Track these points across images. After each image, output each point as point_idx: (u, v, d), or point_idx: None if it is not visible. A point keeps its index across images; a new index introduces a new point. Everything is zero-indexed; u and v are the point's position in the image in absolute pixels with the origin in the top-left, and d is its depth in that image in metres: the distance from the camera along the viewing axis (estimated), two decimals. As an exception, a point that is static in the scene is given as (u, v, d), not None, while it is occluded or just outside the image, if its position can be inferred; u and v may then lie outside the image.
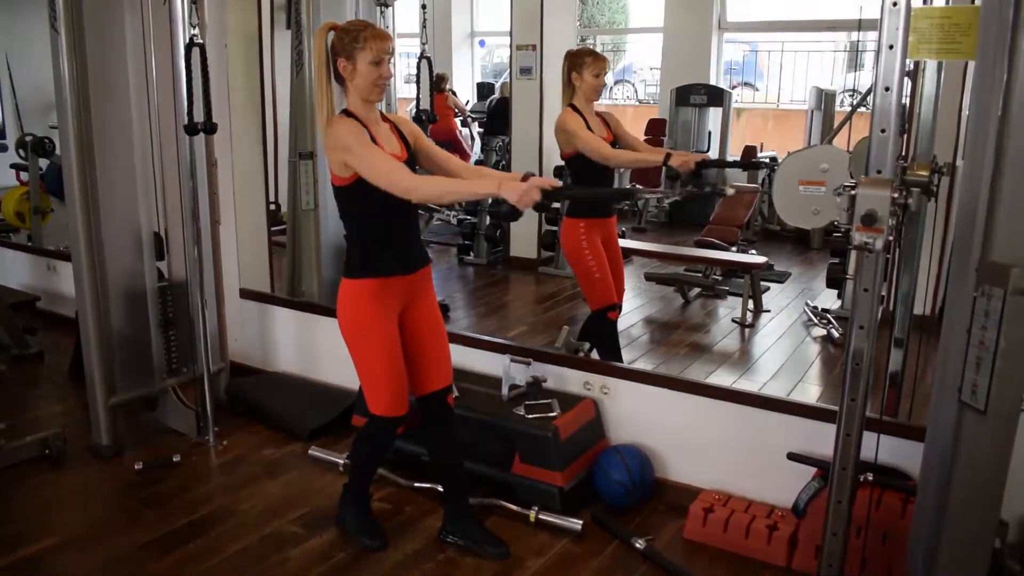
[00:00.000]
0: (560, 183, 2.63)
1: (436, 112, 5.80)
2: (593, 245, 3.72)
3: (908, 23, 2.03)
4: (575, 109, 3.68)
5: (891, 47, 2.04)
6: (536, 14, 5.91)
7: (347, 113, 2.65)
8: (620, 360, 3.89)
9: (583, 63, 3.65)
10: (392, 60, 2.66)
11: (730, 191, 3.35)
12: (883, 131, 2.08)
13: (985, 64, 1.95)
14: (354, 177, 2.59)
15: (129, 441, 3.83)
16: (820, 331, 4.77)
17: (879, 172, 2.08)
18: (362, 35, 2.57)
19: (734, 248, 5.82)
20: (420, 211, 2.98)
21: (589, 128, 3.65)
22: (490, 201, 6.27)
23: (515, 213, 2.45)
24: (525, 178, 2.49)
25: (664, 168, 3.62)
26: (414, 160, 2.79)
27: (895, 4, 2.02)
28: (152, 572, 2.88)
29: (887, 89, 2.06)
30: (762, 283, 5.31)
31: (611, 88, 10.06)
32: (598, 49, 9.01)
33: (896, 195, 2.01)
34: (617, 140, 3.77)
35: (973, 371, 1.91)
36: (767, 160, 7.66)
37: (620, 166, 3.90)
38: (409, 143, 2.76)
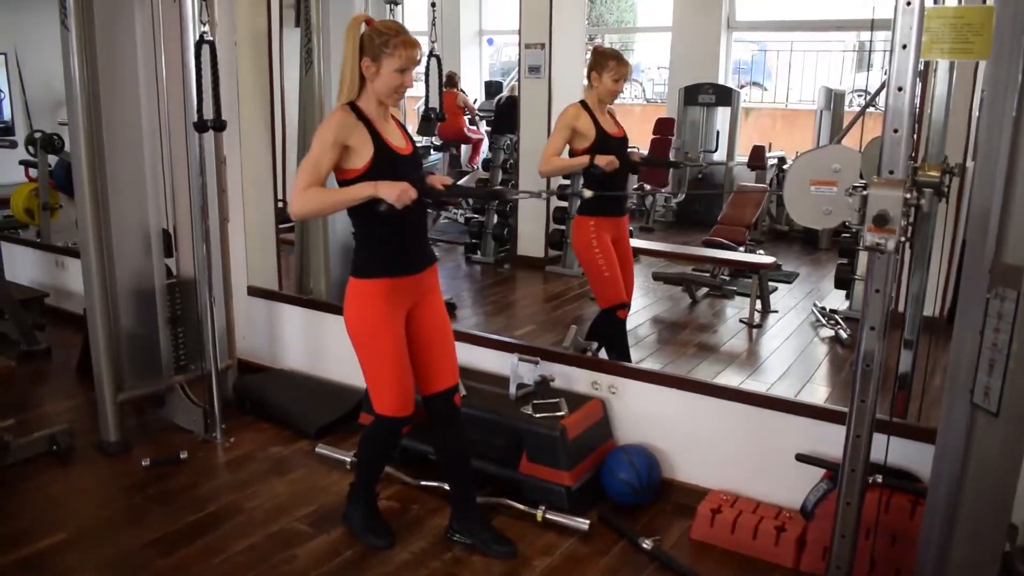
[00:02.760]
0: (450, 182, 2.78)
1: (445, 110, 5.79)
2: (603, 243, 3.72)
3: (921, 22, 2.01)
4: (584, 106, 3.67)
5: (904, 47, 2.03)
6: (545, 13, 5.90)
7: (353, 108, 2.63)
8: (629, 359, 3.88)
9: (605, 65, 3.64)
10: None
11: (587, 193, 3.32)
12: (896, 131, 2.06)
13: (999, 65, 1.94)
14: (361, 169, 2.59)
15: (137, 438, 3.83)
16: (828, 332, 4.76)
17: (891, 172, 2.07)
18: (392, 41, 2.54)
19: (742, 248, 5.80)
20: (428, 210, 2.99)
21: (597, 125, 3.66)
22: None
23: (392, 210, 2.53)
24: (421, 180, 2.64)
25: (592, 168, 3.63)
26: (418, 156, 2.82)
27: (908, 3, 2.00)
28: (159, 569, 2.89)
29: (900, 89, 2.04)
30: (770, 283, 5.29)
31: (623, 91, 10.04)
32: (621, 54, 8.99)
33: (908, 196, 2.00)
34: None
35: (986, 373, 1.90)
36: (776, 160, 7.66)
37: (548, 175, 3.94)
38: (414, 140, 2.77)
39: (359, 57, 2.59)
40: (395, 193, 2.50)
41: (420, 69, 5.14)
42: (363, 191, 2.55)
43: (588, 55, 3.77)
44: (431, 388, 2.90)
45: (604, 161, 3.60)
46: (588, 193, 3.33)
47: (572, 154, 3.74)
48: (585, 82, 3.78)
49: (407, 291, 2.76)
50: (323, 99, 4.35)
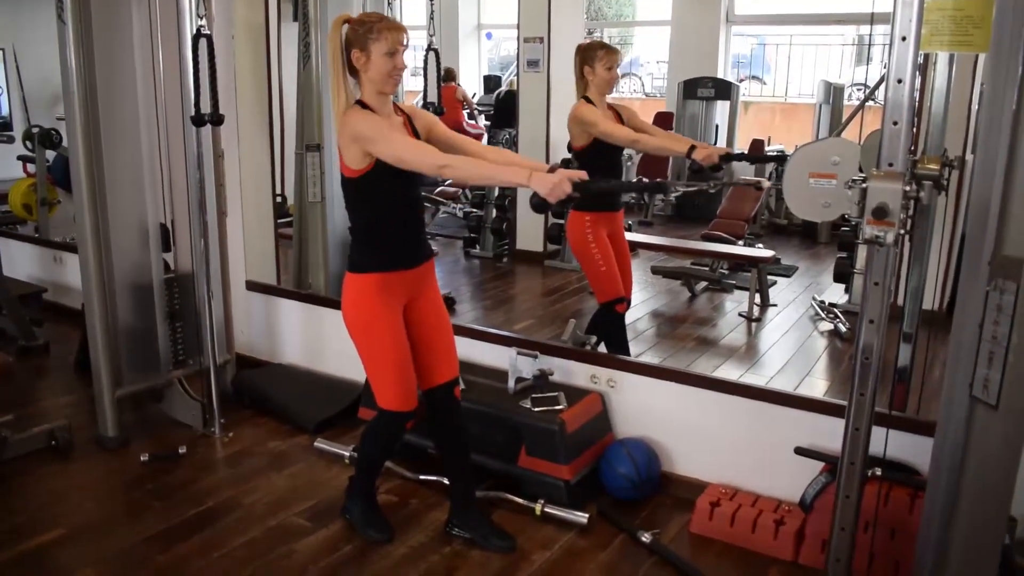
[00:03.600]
0: (586, 176, 2.51)
1: (443, 105, 5.78)
2: (599, 239, 3.71)
3: (921, 15, 2.01)
4: (589, 101, 3.66)
5: (904, 39, 2.02)
6: (543, 6, 5.88)
7: (361, 105, 2.63)
8: (628, 353, 3.88)
9: (595, 56, 3.63)
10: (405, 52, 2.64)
11: (766, 183, 3.28)
12: (895, 124, 2.06)
13: (999, 57, 1.93)
14: (366, 169, 2.58)
15: (135, 433, 3.83)
16: (827, 325, 4.75)
17: (891, 165, 2.06)
18: (376, 26, 2.55)
19: (741, 242, 5.80)
20: (427, 203, 2.98)
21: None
22: (497, 191, 6.29)
23: (545, 205, 2.43)
24: (552, 169, 2.47)
25: (688, 160, 3.60)
26: None
27: (908, -5, 2.00)
28: (158, 564, 2.89)
29: (899, 81, 2.04)
30: (769, 277, 5.29)
31: (618, 81, 10.03)
32: (607, 42, 8.97)
33: (908, 188, 2.00)
34: (635, 131, 3.76)
35: (985, 366, 1.90)
36: (779, 153, 7.65)
37: (647, 151, 3.86)
38: (420, 136, 2.75)
39: (347, 52, 2.59)
40: (548, 186, 2.40)
41: (419, 63, 5.14)
42: (516, 177, 2.47)
43: (575, 57, 3.71)
44: (431, 382, 2.90)
45: (703, 154, 3.52)
46: (766, 183, 3.23)
47: (574, 148, 3.72)
48: (576, 82, 3.72)
49: (404, 285, 2.75)
50: (321, 93, 4.34)
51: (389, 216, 2.68)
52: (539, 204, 2.44)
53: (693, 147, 3.56)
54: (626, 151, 3.88)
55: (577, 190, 2.43)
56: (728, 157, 3.69)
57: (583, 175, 2.48)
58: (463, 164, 2.60)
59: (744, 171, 7.92)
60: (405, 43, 2.60)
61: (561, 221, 6.00)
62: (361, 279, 2.72)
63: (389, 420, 2.84)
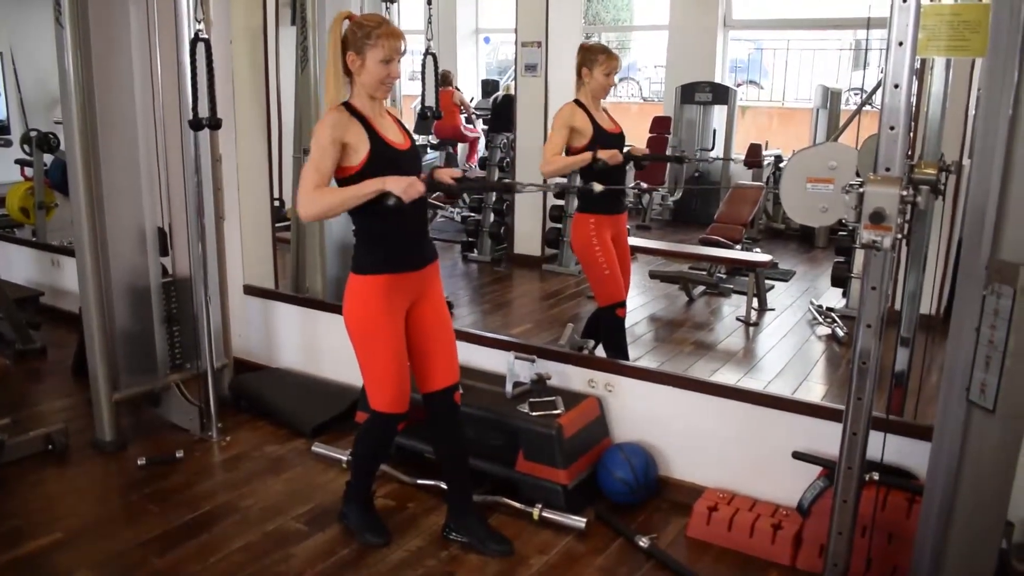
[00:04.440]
0: (459, 174, 2.79)
1: (441, 108, 5.79)
2: (603, 241, 3.70)
3: (918, 20, 2.01)
4: (580, 104, 3.66)
5: (900, 44, 2.03)
6: (541, 11, 5.90)
7: (347, 106, 2.63)
8: (627, 358, 3.88)
9: (595, 60, 3.63)
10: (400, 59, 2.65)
11: (598, 187, 3.39)
12: (892, 128, 2.06)
13: (995, 62, 1.94)
14: (359, 166, 2.59)
15: (132, 437, 3.83)
16: (824, 330, 4.76)
17: (888, 170, 2.07)
18: (375, 32, 2.55)
19: (739, 246, 5.81)
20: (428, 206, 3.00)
21: (594, 122, 3.64)
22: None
23: (400, 203, 2.53)
24: (430, 174, 2.70)
25: (595, 163, 3.61)
26: (417, 153, 2.82)
27: (905, 1, 2.00)
28: (155, 568, 2.88)
29: (896, 86, 2.05)
30: (767, 281, 5.29)
31: (616, 86, 10.05)
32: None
33: (905, 193, 2.00)
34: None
35: (982, 370, 1.90)
36: (777, 156, 7.66)
37: (551, 174, 3.90)
38: (412, 136, 2.76)
39: (343, 52, 2.60)
40: (402, 186, 2.50)
41: (416, 68, 5.14)
42: (371, 187, 2.54)
43: (577, 55, 3.73)
44: (431, 386, 2.89)
45: (607, 155, 3.57)
46: (598, 187, 3.35)
47: (570, 152, 3.73)
48: (575, 80, 3.74)
49: (408, 288, 2.75)
50: (319, 97, 4.35)
51: (389, 217, 2.67)
52: (395, 203, 2.54)
53: (595, 152, 3.61)
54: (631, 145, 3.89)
55: (431, 189, 2.69)
56: (630, 157, 3.80)
57: (456, 173, 2.77)
58: (315, 200, 2.58)
59: (742, 175, 7.96)
60: (402, 51, 2.61)
61: (559, 226, 6.02)
62: (364, 280, 2.71)
63: (381, 421, 2.84)
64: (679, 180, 8.16)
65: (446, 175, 2.74)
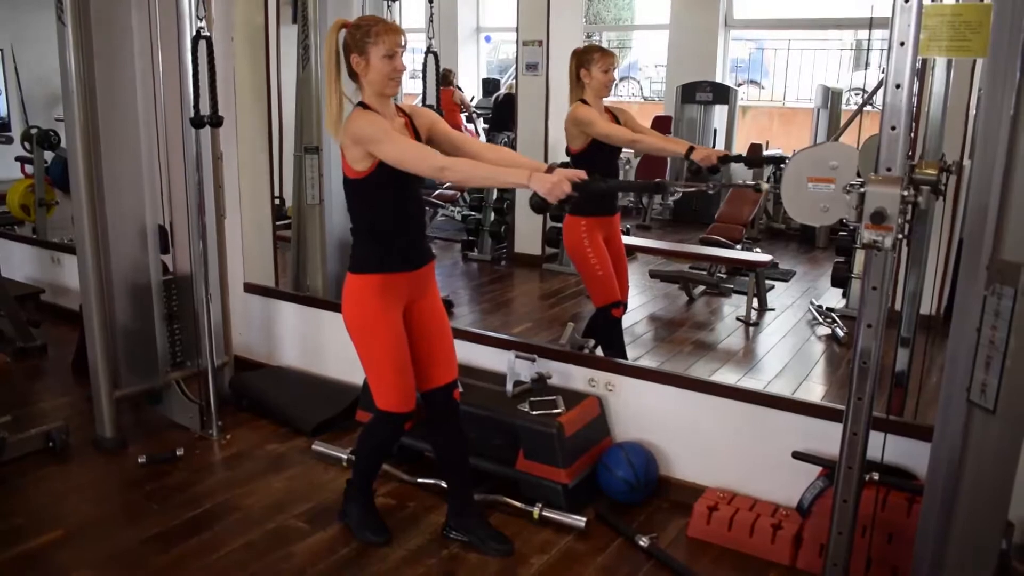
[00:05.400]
0: (585, 175, 2.49)
1: (442, 107, 5.79)
2: (595, 242, 3.70)
3: (919, 20, 2.01)
4: (586, 104, 3.66)
5: (902, 44, 2.03)
6: (542, 10, 5.89)
7: (364, 106, 2.63)
8: (625, 357, 3.88)
9: (592, 59, 3.63)
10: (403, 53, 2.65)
11: (765, 186, 3.32)
12: (893, 128, 2.06)
13: (996, 62, 1.94)
14: (368, 170, 2.59)
15: (133, 435, 3.83)
16: (825, 330, 4.76)
17: (889, 170, 2.07)
18: (373, 30, 2.55)
19: (739, 246, 5.80)
20: (426, 206, 2.98)
21: None
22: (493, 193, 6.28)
23: (545, 205, 2.43)
24: (551, 169, 2.47)
25: (686, 161, 3.60)
26: None
27: (907, 1, 2.00)
28: (155, 566, 2.88)
29: (898, 86, 2.04)
30: (767, 281, 5.29)
31: (616, 85, 10.03)
32: (604, 46, 8.99)
33: (906, 193, 2.00)
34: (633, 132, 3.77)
35: (982, 370, 1.90)
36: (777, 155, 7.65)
37: (645, 151, 3.86)
38: (421, 136, 2.75)
39: (347, 57, 2.60)
40: (547, 186, 2.41)
41: (417, 66, 5.14)
42: (516, 177, 2.49)
43: (570, 62, 3.71)
44: (430, 384, 2.90)
45: (700, 155, 3.53)
46: (765, 186, 3.33)
47: (572, 151, 3.72)
48: (572, 86, 3.72)
49: (404, 287, 2.75)
50: (320, 95, 4.34)
51: (391, 217, 2.68)
52: (539, 204, 2.44)
53: (692, 148, 3.57)
54: (623, 154, 3.87)
55: (576, 190, 2.43)
56: (726, 159, 3.70)
57: (582, 174, 2.47)
58: (462, 166, 2.60)
59: (742, 174, 7.95)
60: (403, 45, 2.61)
61: (559, 225, 6.01)
62: (362, 280, 2.71)
63: (387, 421, 2.84)
64: (679, 179, 8.15)
65: (573, 175, 2.45)
